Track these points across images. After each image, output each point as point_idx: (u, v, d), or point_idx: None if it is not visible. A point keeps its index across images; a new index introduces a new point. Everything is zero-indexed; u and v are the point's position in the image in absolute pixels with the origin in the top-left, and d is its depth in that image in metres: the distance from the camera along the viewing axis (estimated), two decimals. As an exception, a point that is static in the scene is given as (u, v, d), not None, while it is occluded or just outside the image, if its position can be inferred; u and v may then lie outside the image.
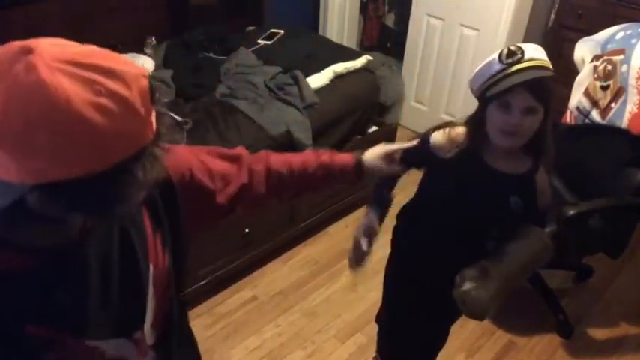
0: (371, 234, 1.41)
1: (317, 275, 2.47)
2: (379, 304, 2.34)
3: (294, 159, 1.12)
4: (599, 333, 2.28)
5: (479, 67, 1.24)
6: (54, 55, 0.57)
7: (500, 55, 1.19)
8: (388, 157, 1.21)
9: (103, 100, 0.57)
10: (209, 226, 0.94)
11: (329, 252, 2.60)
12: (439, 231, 1.39)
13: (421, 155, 1.34)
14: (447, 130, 1.34)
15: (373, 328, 2.23)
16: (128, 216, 0.79)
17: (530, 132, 1.22)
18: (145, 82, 0.62)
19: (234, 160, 1.03)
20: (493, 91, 1.20)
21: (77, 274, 0.72)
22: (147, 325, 0.84)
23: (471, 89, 1.29)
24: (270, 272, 2.47)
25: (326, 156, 1.15)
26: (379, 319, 1.81)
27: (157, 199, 0.84)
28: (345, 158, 1.17)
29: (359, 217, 2.83)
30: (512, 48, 1.18)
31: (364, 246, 1.38)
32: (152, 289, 0.83)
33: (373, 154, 1.21)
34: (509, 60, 1.17)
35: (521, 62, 1.17)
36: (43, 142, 0.55)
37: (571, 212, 1.88)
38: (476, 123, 1.27)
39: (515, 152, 1.29)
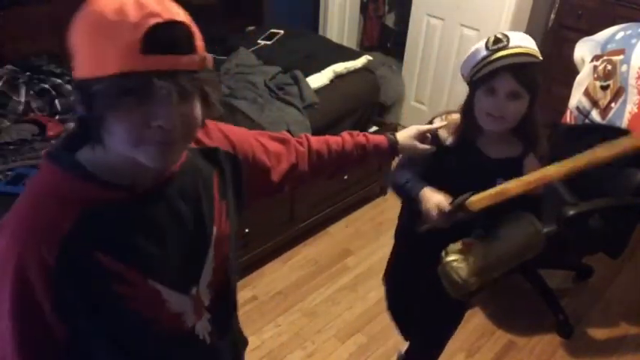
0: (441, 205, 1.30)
1: (317, 275, 2.47)
2: (379, 304, 2.34)
3: (332, 139, 1.20)
4: (599, 333, 2.28)
5: (468, 54, 1.30)
6: None
7: (487, 42, 1.25)
8: (420, 136, 1.31)
9: (123, 6, 0.69)
10: (259, 202, 1.08)
11: (329, 252, 2.60)
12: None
13: (431, 137, 1.40)
14: (444, 116, 1.42)
15: (373, 328, 2.24)
16: (202, 181, 0.89)
17: (516, 116, 1.26)
18: (160, 16, 0.71)
19: (283, 141, 1.12)
20: (479, 75, 1.25)
21: (151, 217, 0.81)
22: (203, 284, 0.90)
23: (462, 76, 1.35)
24: (270, 272, 2.47)
25: (361, 136, 1.23)
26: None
27: (226, 170, 0.95)
28: (379, 138, 1.26)
29: (359, 217, 2.85)
30: (499, 35, 1.23)
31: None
32: (213, 251, 0.91)
33: (406, 134, 1.30)
34: (495, 46, 1.22)
35: (507, 49, 1.21)
36: (75, 39, 0.71)
37: (571, 212, 1.88)
38: (466, 108, 1.33)
39: (506, 137, 1.33)
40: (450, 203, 1.24)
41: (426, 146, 1.31)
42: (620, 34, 2.12)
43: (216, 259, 0.92)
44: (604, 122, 2.12)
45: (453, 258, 1.29)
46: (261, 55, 2.68)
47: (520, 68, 1.21)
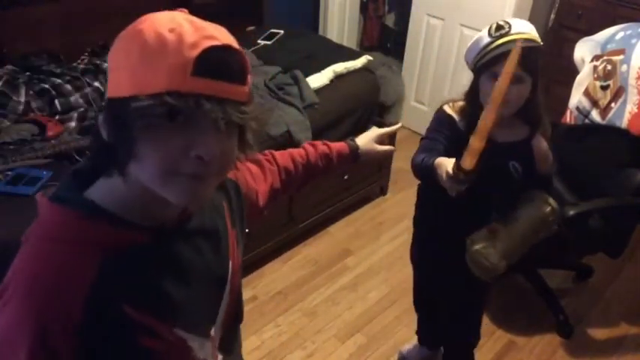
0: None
1: (317, 275, 2.47)
2: (379, 304, 2.35)
3: (295, 152, 1.17)
4: (599, 333, 2.28)
5: (471, 42, 1.35)
6: (186, 17, 0.68)
7: (489, 30, 1.30)
8: (379, 138, 1.28)
9: (167, 34, 0.64)
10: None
11: (329, 252, 2.60)
12: (451, 209, 1.43)
13: (448, 125, 1.44)
14: (450, 103, 1.46)
15: (373, 328, 2.24)
16: (217, 212, 0.84)
17: (520, 100, 1.30)
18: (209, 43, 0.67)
19: (257, 162, 1.08)
20: (483, 62, 1.30)
21: (176, 257, 0.74)
22: (218, 323, 0.85)
23: (467, 63, 1.40)
24: (270, 272, 2.47)
25: (324, 146, 1.21)
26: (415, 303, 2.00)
27: (232, 198, 0.90)
28: (340, 145, 1.23)
29: (359, 216, 2.85)
30: (501, 22, 1.29)
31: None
32: (229, 286, 0.86)
33: (365, 139, 1.27)
34: (497, 33, 1.28)
35: (509, 35, 1.27)
36: (114, 58, 0.66)
37: (571, 212, 1.88)
38: (471, 95, 1.38)
39: (512, 121, 1.37)
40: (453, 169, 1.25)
41: (386, 147, 1.29)
42: (620, 34, 2.12)
43: (231, 294, 0.87)
44: (604, 122, 2.12)
45: (481, 245, 1.34)
46: (261, 55, 2.68)
47: (522, 52, 1.23)
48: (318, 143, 1.20)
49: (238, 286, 0.91)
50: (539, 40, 1.29)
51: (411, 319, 2.12)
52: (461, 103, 1.43)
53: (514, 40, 1.24)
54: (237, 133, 0.68)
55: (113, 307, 0.67)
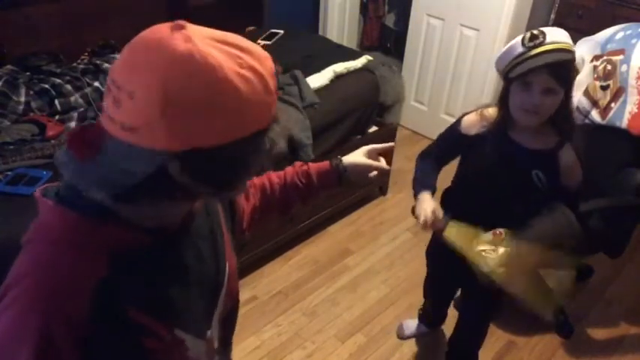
0: (436, 211, 1.40)
1: (317, 275, 2.47)
2: (379, 304, 2.34)
3: (274, 174, 1.12)
4: (599, 333, 2.28)
5: (503, 49, 1.32)
6: (201, 32, 0.63)
7: (523, 39, 1.26)
8: (368, 153, 1.16)
9: (245, 72, 0.61)
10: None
11: (329, 252, 2.60)
12: (474, 208, 1.43)
13: (454, 139, 1.46)
14: (479, 110, 1.45)
15: (373, 328, 2.24)
16: (215, 214, 0.85)
17: (550, 111, 1.29)
18: (271, 64, 0.66)
19: None
20: (516, 72, 1.27)
21: (179, 260, 0.75)
22: (215, 326, 0.86)
23: (497, 70, 1.37)
24: (270, 272, 2.47)
25: (303, 166, 1.14)
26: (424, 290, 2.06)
27: (227, 205, 0.91)
28: (321, 163, 1.14)
29: (359, 216, 2.85)
30: (535, 32, 1.25)
31: (440, 215, 1.39)
32: (225, 288, 0.87)
33: (352, 154, 1.16)
34: (531, 43, 1.24)
35: (543, 45, 1.23)
36: (199, 105, 0.59)
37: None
38: (502, 102, 1.36)
39: (542, 129, 1.36)
40: (432, 214, 1.34)
41: (380, 163, 1.16)
42: (620, 34, 2.12)
43: (227, 297, 0.88)
44: (604, 122, 2.11)
45: (483, 248, 1.34)
46: (261, 55, 2.68)
47: (556, 65, 1.23)
48: (298, 163, 1.14)
49: (235, 288, 0.92)
50: (573, 47, 1.27)
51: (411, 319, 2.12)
52: (491, 110, 1.42)
53: (549, 51, 1.22)
54: None
55: (117, 309, 0.67)
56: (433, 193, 1.47)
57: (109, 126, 0.61)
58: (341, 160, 1.13)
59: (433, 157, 1.56)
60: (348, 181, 1.13)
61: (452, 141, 1.52)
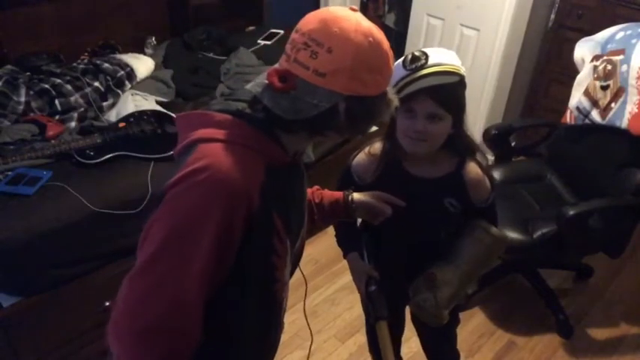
0: (373, 278, 1.31)
1: (317, 275, 2.47)
2: (379, 304, 2.34)
3: None
4: (599, 333, 2.28)
5: None
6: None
7: (404, 61, 1.18)
8: (378, 197, 1.25)
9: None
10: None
11: (329, 252, 2.60)
12: (399, 247, 1.38)
13: (350, 184, 1.34)
14: (367, 149, 1.34)
15: (373, 328, 2.24)
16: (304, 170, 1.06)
17: (440, 137, 1.20)
18: None
19: None
20: (398, 97, 1.16)
21: (296, 183, 0.99)
22: (287, 262, 0.99)
23: None
24: (270, 272, 2.46)
25: (320, 189, 1.28)
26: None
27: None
28: (335, 192, 1.28)
29: (359, 217, 2.85)
30: (417, 53, 1.17)
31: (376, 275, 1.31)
32: (300, 240, 1.06)
33: (362, 194, 1.27)
34: (412, 66, 1.16)
35: (425, 68, 1.15)
36: (372, 65, 0.85)
37: (571, 212, 1.88)
38: (389, 130, 1.26)
39: (438, 156, 1.26)
40: (368, 284, 1.28)
41: (385, 209, 1.22)
42: (620, 34, 2.12)
43: (300, 240, 1.06)
44: (604, 122, 2.12)
45: (422, 296, 1.27)
46: (261, 55, 2.68)
47: (438, 89, 1.14)
48: (315, 187, 1.30)
49: (304, 238, 1.09)
50: (460, 70, 1.18)
51: (411, 319, 2.11)
52: (377, 145, 1.32)
53: (431, 74, 1.14)
54: None
55: (268, 208, 0.84)
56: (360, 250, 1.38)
57: (299, 71, 0.83)
58: (352, 195, 1.26)
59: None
60: (354, 214, 1.27)
61: (349, 185, 1.36)
